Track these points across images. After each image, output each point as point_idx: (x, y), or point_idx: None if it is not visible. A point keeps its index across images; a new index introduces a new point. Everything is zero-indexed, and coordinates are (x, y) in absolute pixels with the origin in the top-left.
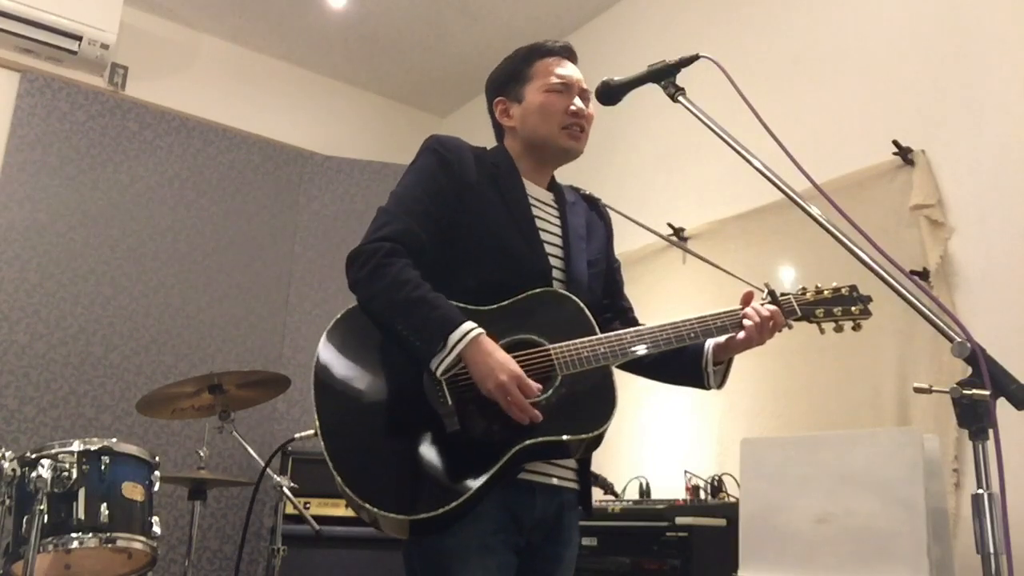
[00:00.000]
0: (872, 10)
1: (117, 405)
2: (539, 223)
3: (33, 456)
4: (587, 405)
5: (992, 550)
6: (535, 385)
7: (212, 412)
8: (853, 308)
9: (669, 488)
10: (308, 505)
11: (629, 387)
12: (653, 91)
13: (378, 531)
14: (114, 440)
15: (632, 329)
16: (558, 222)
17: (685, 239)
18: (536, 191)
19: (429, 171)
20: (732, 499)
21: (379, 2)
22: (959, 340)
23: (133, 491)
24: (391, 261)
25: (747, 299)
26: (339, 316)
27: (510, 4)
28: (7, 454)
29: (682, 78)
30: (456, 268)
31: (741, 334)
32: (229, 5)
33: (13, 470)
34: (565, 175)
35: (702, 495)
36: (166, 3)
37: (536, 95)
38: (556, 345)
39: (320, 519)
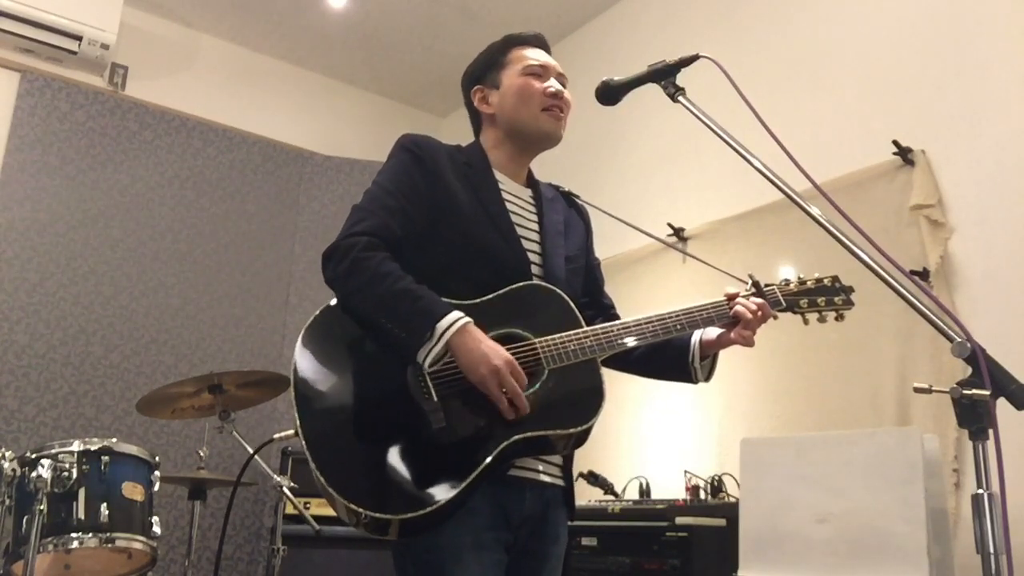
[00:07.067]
0: (872, 10)
1: (117, 405)
2: (515, 219)
3: (33, 456)
4: (575, 400)
5: (992, 550)
6: (524, 376)
7: (212, 412)
8: (836, 299)
9: (669, 488)
10: (308, 505)
11: (629, 386)
12: (653, 91)
13: (367, 534)
14: (114, 440)
15: (619, 322)
16: (535, 218)
17: (685, 239)
18: (512, 187)
19: (403, 169)
20: (732, 499)
21: (379, 2)
22: (959, 340)
23: (133, 491)
24: (369, 255)
25: (732, 294)
26: (315, 316)
27: (510, 4)
28: (7, 454)
29: (682, 78)
30: (434, 266)
31: (733, 334)
32: (229, 5)
33: (13, 470)
34: (564, 173)
35: (702, 495)
36: (166, 3)
37: (514, 79)
38: (542, 339)
39: (320, 519)
